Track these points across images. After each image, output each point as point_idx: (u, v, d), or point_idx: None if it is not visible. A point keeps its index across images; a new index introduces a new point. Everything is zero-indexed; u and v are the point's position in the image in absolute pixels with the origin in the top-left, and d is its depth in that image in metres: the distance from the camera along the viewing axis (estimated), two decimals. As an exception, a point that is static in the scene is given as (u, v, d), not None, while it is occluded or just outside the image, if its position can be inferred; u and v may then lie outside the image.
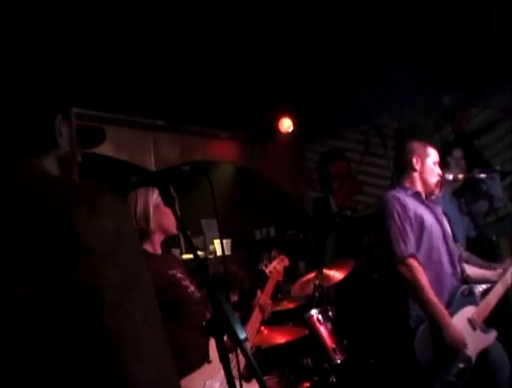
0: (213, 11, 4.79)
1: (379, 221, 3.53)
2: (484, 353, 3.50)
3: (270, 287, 3.62)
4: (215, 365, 2.80)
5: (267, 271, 3.71)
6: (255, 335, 3.83)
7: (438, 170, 3.69)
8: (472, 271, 3.74)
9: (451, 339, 3.24)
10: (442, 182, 3.75)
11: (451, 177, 3.74)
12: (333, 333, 4.54)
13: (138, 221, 3.02)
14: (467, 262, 4.08)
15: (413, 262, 3.38)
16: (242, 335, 1.62)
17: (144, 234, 3.04)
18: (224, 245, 6.79)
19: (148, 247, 3.04)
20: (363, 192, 7.47)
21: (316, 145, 7.92)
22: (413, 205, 3.52)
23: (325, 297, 4.86)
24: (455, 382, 3.30)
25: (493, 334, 3.53)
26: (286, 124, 6.92)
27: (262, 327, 4.05)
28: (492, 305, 3.53)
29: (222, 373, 2.82)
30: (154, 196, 3.08)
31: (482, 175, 3.74)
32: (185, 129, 6.44)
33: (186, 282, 3.05)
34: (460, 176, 3.76)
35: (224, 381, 2.72)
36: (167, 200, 1.91)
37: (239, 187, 7.54)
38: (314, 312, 4.55)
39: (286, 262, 3.91)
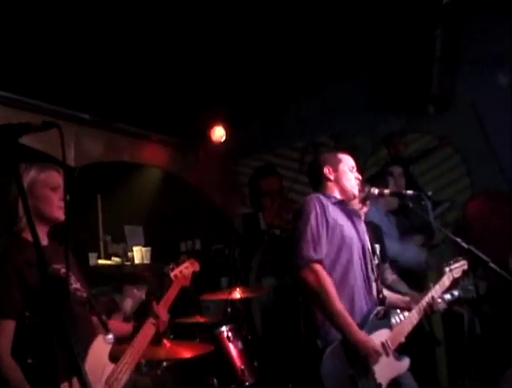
0: (156, 11, 4.59)
1: (294, 221, 3.24)
2: (396, 381, 3.22)
3: (172, 292, 3.29)
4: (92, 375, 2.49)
5: (172, 275, 3.39)
6: (148, 345, 3.52)
7: (355, 174, 3.44)
8: (389, 294, 3.51)
9: (366, 350, 2.95)
10: (367, 194, 3.50)
11: (376, 191, 3.48)
12: (244, 353, 4.25)
13: (11, 205, 2.68)
14: (389, 287, 3.88)
15: (318, 267, 3.05)
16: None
17: (20, 222, 2.68)
18: (144, 253, 6.47)
19: (28, 236, 2.64)
20: (294, 212, 7.21)
21: (251, 159, 7.67)
22: (335, 213, 3.25)
23: (239, 315, 4.55)
24: None
25: (406, 361, 3.25)
26: (218, 133, 6.66)
27: (165, 340, 3.70)
28: (406, 331, 3.25)
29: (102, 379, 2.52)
30: (29, 176, 2.73)
31: (409, 192, 3.49)
32: (112, 127, 6.09)
33: (70, 279, 2.70)
34: (386, 191, 3.50)
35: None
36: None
37: (166, 194, 7.23)
38: (224, 329, 4.23)
39: (195, 267, 3.60)
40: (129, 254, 6.69)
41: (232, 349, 4.19)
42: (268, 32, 5.32)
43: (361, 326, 3.08)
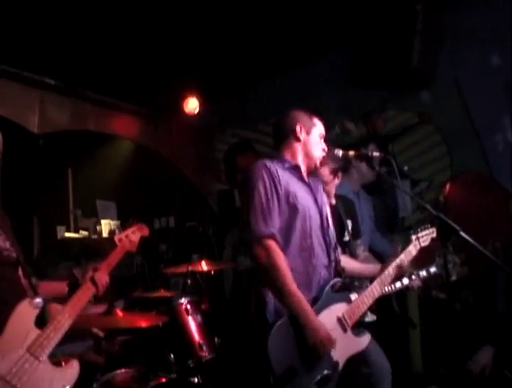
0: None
1: (241, 192, 3.02)
2: (362, 361, 3.04)
3: (114, 257, 3.06)
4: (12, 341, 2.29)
5: (117, 238, 3.15)
6: (98, 315, 3.34)
7: (323, 145, 3.20)
8: (349, 264, 3.30)
9: (315, 340, 2.70)
10: (332, 158, 3.27)
11: (340, 153, 3.24)
12: (203, 327, 4.02)
13: None
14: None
15: (271, 243, 2.80)
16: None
17: None
18: (112, 227, 6.27)
19: None
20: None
21: (228, 135, 7.47)
22: (287, 180, 2.99)
23: (200, 287, 4.35)
24: None
25: (366, 338, 3.02)
26: (191, 105, 6.43)
27: (118, 310, 3.51)
28: (367, 304, 3.01)
29: (18, 354, 2.32)
30: None
31: (375, 154, 3.25)
32: (79, 94, 5.84)
33: None
34: (351, 153, 3.26)
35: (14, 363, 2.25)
36: None
37: (139, 168, 7.02)
38: (183, 300, 4.00)
39: (144, 232, 3.36)
40: (98, 227, 6.48)
41: (191, 323, 3.96)
42: (248, 3, 5.17)
43: (315, 299, 2.87)
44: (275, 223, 2.87)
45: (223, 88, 6.79)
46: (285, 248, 2.89)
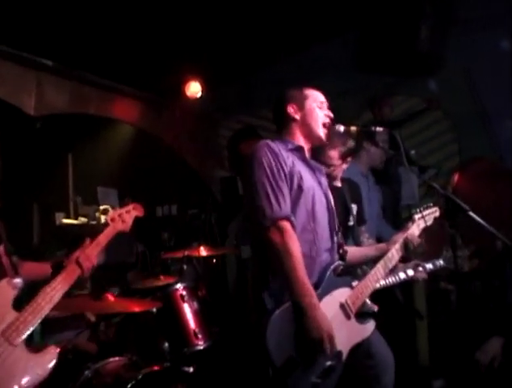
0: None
1: (245, 175, 2.83)
2: (366, 352, 2.89)
3: (106, 235, 2.93)
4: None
5: (109, 218, 3.02)
6: (87, 299, 3.22)
7: (325, 112, 3.00)
8: (352, 251, 3.13)
9: (316, 335, 2.50)
10: (334, 134, 3.09)
11: (341, 128, 3.07)
12: (199, 314, 3.89)
13: None
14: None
15: (286, 226, 2.62)
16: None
17: None
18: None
19: None
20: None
21: (232, 121, 7.34)
22: (291, 160, 2.82)
23: (197, 274, 4.21)
24: (319, 384, 2.55)
25: (370, 325, 2.86)
26: (193, 89, 6.26)
27: (109, 295, 3.37)
28: (371, 288, 2.85)
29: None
30: None
31: (379, 129, 3.08)
32: (78, 76, 5.68)
33: None
34: (353, 128, 3.09)
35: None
36: None
37: (140, 154, 6.88)
38: (178, 286, 3.87)
39: (139, 212, 3.23)
40: (96, 214, 6.35)
41: (186, 310, 3.82)
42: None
43: (317, 285, 2.69)
44: (288, 204, 2.70)
45: (227, 73, 6.64)
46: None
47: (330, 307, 2.69)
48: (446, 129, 5.91)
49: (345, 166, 3.81)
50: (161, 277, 4.43)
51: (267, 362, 2.47)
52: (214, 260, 5.96)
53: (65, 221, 6.13)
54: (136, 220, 7.11)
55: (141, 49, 5.66)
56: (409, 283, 4.60)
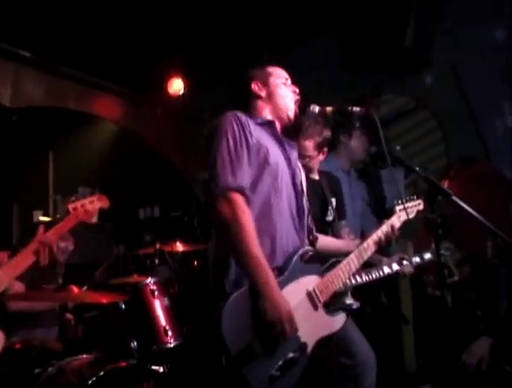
0: None
1: (206, 146, 2.65)
2: (342, 351, 2.76)
3: (65, 224, 2.82)
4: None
5: (70, 207, 2.90)
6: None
7: (291, 88, 2.87)
8: (325, 240, 2.98)
9: (273, 317, 2.30)
10: (308, 114, 2.93)
11: (316, 109, 2.92)
12: (170, 311, 3.73)
13: None
14: None
15: (237, 198, 2.42)
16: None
17: None
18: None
19: None
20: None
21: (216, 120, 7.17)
22: (259, 134, 2.65)
23: (171, 269, 4.06)
24: (278, 377, 2.34)
25: (340, 318, 2.67)
26: (176, 86, 6.14)
27: (73, 286, 3.25)
28: (342, 279, 2.68)
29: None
30: None
31: (355, 109, 2.91)
32: (57, 69, 5.57)
33: None
34: (329, 108, 2.93)
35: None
36: None
37: (122, 153, 6.75)
38: (149, 281, 3.70)
39: (103, 203, 3.11)
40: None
41: (157, 305, 3.66)
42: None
43: (281, 269, 2.52)
44: (245, 176, 2.50)
45: (212, 71, 6.54)
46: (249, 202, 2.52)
47: (296, 294, 2.51)
48: (433, 129, 5.78)
49: (321, 157, 3.71)
50: (135, 276, 4.32)
51: (221, 350, 2.29)
52: (195, 262, 5.83)
53: (42, 218, 6.03)
54: (118, 222, 7.05)
55: (123, 45, 5.59)
56: (394, 286, 4.50)
